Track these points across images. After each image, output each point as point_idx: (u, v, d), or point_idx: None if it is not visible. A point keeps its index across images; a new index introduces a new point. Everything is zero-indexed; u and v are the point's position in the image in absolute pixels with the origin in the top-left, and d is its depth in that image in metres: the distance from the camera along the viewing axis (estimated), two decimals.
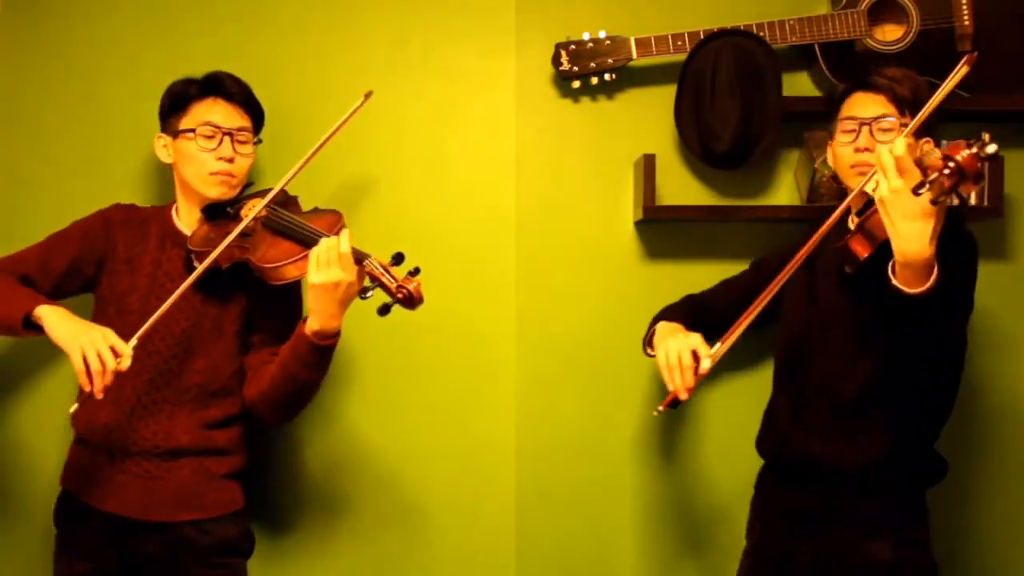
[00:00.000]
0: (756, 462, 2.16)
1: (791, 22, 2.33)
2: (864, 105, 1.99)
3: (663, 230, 2.44)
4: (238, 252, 1.99)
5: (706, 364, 1.89)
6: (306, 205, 2.22)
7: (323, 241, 1.87)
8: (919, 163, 1.66)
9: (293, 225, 1.98)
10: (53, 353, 2.06)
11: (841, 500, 1.94)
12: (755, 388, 2.36)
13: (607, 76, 2.38)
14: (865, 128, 1.96)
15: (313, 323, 1.89)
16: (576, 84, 2.40)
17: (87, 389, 1.82)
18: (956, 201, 1.74)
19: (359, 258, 1.87)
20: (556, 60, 2.38)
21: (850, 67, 2.33)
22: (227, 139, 2.05)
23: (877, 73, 2.00)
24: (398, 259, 1.88)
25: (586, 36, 2.36)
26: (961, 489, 2.40)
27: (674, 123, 2.38)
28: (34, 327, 1.92)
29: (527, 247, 2.44)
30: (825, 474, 1.95)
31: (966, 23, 2.33)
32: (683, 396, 1.91)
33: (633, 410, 2.43)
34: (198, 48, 2.38)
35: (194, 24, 2.41)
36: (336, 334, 1.91)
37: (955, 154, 1.56)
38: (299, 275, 1.95)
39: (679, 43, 2.34)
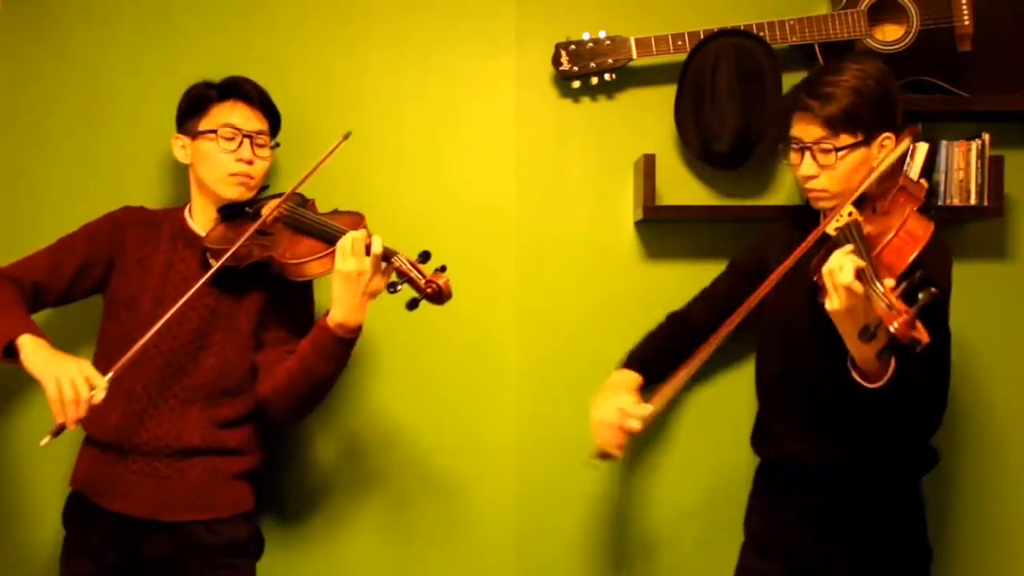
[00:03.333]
0: (754, 458, 2.16)
1: (791, 22, 2.33)
2: (803, 126, 1.92)
3: (663, 230, 2.44)
4: (257, 251, 1.99)
5: (632, 424, 1.94)
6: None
7: (351, 232, 1.87)
8: (868, 298, 1.62)
9: (316, 223, 1.99)
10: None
11: (836, 494, 1.94)
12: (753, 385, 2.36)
13: (607, 76, 2.38)
14: (807, 153, 1.91)
15: (336, 314, 1.88)
16: (576, 84, 2.40)
17: (59, 420, 1.78)
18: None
19: (388, 255, 1.88)
20: (556, 60, 2.38)
21: None
22: (247, 141, 2.08)
23: (809, 88, 1.90)
24: (424, 257, 1.89)
25: (586, 36, 2.36)
26: (961, 489, 2.40)
27: (674, 123, 2.38)
28: (12, 355, 1.88)
29: (527, 247, 2.44)
30: (814, 470, 1.96)
31: (966, 23, 2.33)
32: (613, 452, 1.97)
33: None
34: (198, 48, 2.39)
35: (194, 24, 2.41)
36: (358, 328, 1.92)
37: (890, 322, 1.53)
38: (322, 272, 1.94)
39: (679, 43, 2.34)
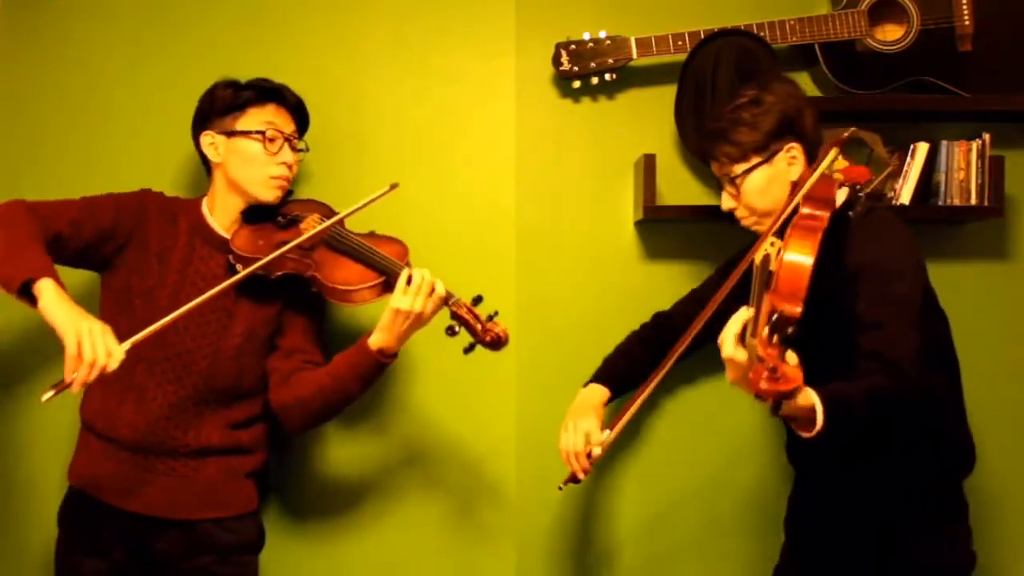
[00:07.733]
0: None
1: (791, 22, 2.33)
2: (713, 167, 2.03)
3: (663, 230, 2.44)
4: (291, 264, 1.99)
5: (596, 451, 1.98)
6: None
7: (418, 271, 1.91)
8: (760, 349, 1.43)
9: (362, 249, 2.00)
10: (58, 348, 1.98)
11: (866, 497, 1.91)
12: None
13: (607, 76, 2.38)
14: (728, 184, 1.98)
15: (378, 340, 1.93)
16: (576, 84, 2.40)
17: (69, 378, 1.69)
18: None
19: (447, 297, 1.94)
20: (556, 60, 2.38)
21: (850, 67, 2.33)
22: (287, 144, 2.07)
23: (704, 136, 2.02)
24: (477, 300, 1.97)
25: (586, 36, 2.36)
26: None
27: (674, 123, 2.38)
28: (29, 297, 1.78)
29: (527, 247, 2.44)
30: (844, 473, 1.93)
31: (966, 23, 2.33)
32: (580, 477, 2.00)
33: None
34: (198, 49, 2.38)
35: (194, 25, 2.41)
36: (396, 354, 1.97)
37: (755, 385, 1.37)
38: (372, 300, 1.99)
39: (679, 43, 2.34)
